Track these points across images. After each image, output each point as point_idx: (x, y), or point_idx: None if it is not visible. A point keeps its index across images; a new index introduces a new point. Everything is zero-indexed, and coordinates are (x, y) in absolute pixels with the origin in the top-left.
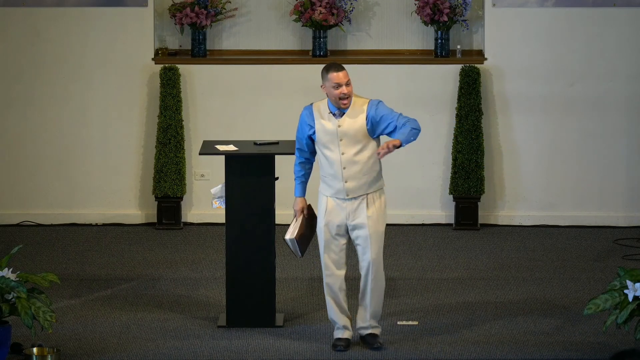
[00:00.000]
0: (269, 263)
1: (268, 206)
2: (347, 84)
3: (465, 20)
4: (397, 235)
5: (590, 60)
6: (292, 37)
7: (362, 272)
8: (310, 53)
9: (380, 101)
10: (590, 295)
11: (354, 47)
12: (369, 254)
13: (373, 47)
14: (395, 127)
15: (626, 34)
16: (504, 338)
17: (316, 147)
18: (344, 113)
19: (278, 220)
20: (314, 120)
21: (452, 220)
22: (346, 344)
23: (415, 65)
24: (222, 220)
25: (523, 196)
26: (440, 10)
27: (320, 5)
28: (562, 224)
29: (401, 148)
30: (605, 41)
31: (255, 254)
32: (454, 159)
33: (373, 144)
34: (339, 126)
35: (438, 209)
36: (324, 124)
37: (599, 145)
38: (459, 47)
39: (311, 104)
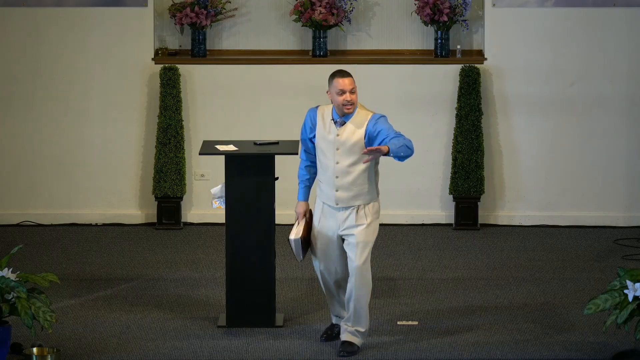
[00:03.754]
0: (269, 263)
1: (268, 206)
2: (352, 91)
3: (465, 20)
4: (397, 235)
5: (590, 60)
6: (292, 37)
7: (349, 279)
8: (310, 53)
9: (383, 116)
10: (590, 295)
11: (354, 47)
12: (354, 262)
13: (373, 47)
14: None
15: (626, 34)
16: (504, 338)
17: (316, 150)
18: (345, 122)
19: (278, 220)
20: (316, 124)
21: (452, 220)
22: (331, 332)
23: (415, 65)
24: (222, 220)
25: (523, 196)
26: (440, 10)
27: (320, 5)
28: (562, 224)
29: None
30: (605, 41)
31: (255, 254)
32: (454, 159)
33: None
34: (338, 135)
35: (438, 209)
36: (324, 130)
37: (599, 145)
38: (459, 47)
39: (317, 107)
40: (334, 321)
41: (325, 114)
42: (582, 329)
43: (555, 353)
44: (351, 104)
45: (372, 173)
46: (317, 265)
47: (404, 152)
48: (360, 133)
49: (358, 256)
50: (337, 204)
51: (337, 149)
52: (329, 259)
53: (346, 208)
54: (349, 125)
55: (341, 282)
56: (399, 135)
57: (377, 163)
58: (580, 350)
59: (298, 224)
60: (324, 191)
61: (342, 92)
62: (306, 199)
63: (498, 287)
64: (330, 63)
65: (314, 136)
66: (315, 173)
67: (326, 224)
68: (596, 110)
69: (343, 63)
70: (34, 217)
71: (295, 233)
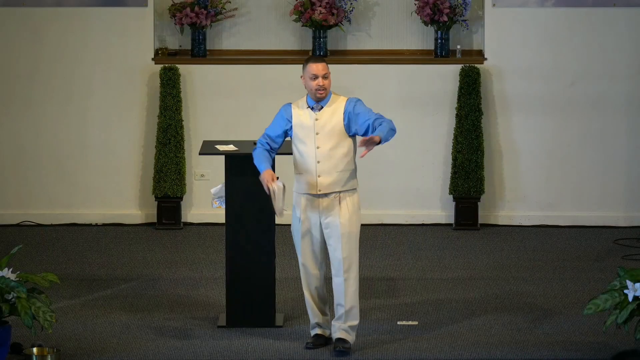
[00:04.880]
0: (269, 263)
1: (268, 206)
2: (325, 77)
3: (465, 20)
4: (397, 235)
5: (590, 60)
6: (292, 37)
7: (333, 272)
8: (310, 53)
9: (359, 99)
10: (590, 295)
11: (354, 47)
12: (339, 253)
13: (373, 47)
14: (369, 126)
15: (626, 34)
16: (504, 338)
17: (292, 145)
18: (322, 107)
19: (278, 220)
20: (292, 116)
21: (452, 220)
22: (316, 341)
23: (415, 65)
24: (222, 220)
25: (523, 196)
26: (440, 10)
27: (320, 5)
28: (562, 224)
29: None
30: (605, 41)
31: (255, 254)
32: (454, 159)
33: (349, 141)
34: (316, 119)
35: (438, 209)
36: (302, 117)
37: (599, 145)
38: (458, 47)
39: (290, 103)
40: (317, 331)
41: (300, 104)
42: (582, 329)
43: (555, 353)
44: (323, 89)
45: (353, 158)
46: (301, 266)
47: (391, 136)
48: (339, 115)
49: (344, 247)
50: (319, 191)
51: (317, 134)
52: (311, 251)
53: (327, 195)
54: (327, 109)
55: (319, 283)
56: (379, 117)
57: (355, 152)
58: (580, 350)
59: (273, 192)
60: (304, 182)
61: (315, 76)
62: (269, 167)
63: (498, 287)
64: (330, 63)
65: (291, 128)
66: (271, 156)
67: (308, 216)
68: (596, 110)
69: (343, 63)
70: (34, 217)
71: (278, 187)
